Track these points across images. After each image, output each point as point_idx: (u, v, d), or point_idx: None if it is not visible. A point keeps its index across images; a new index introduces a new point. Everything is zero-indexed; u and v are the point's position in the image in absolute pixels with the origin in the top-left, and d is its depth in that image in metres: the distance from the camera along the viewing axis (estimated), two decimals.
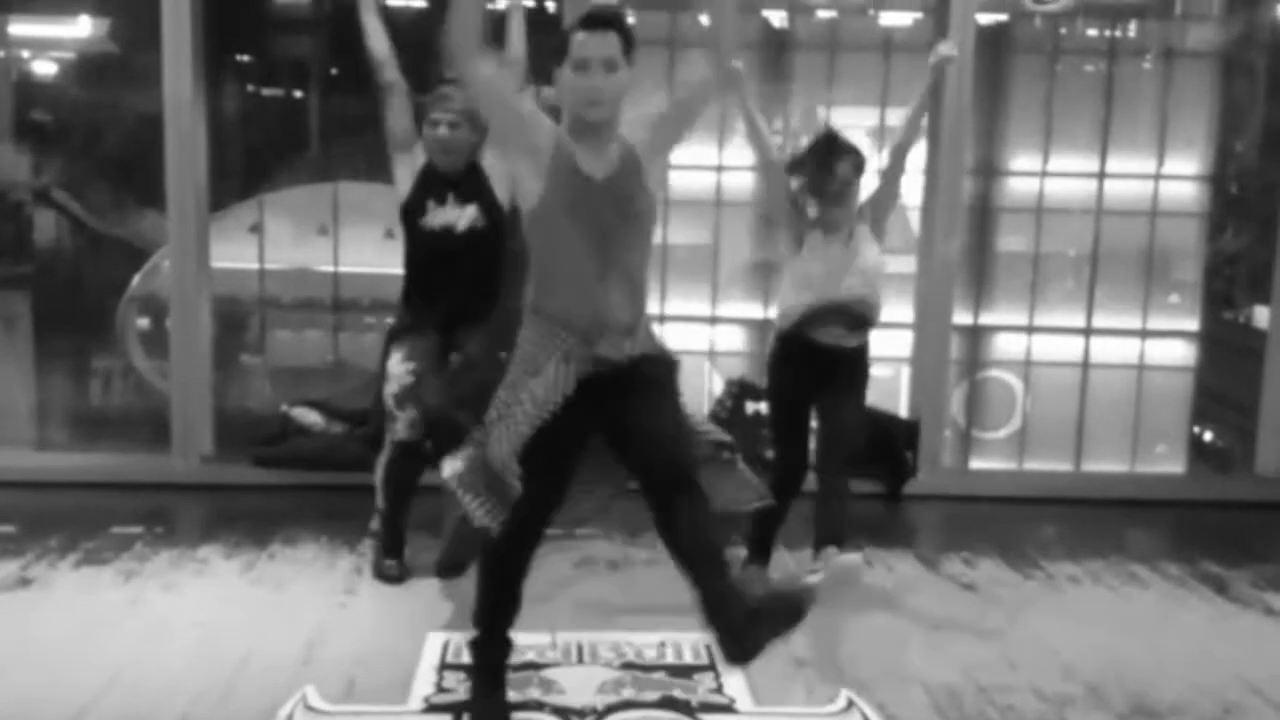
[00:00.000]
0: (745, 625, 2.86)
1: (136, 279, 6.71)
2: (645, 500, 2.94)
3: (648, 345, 3.05)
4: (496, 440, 2.95)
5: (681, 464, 2.94)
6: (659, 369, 3.06)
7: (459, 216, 4.30)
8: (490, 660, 3.23)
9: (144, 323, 6.71)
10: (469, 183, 4.32)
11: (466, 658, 3.64)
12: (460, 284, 4.29)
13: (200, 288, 5.76)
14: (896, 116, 5.99)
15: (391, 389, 4.29)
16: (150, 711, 3.25)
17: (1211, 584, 4.63)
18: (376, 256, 6.27)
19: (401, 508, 4.44)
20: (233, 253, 6.27)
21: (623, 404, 2.97)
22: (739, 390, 5.84)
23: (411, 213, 4.33)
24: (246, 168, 6.81)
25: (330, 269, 6.37)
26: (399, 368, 4.29)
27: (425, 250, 4.33)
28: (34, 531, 4.80)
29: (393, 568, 4.39)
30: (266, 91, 7.35)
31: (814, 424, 4.19)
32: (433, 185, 4.33)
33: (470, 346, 4.30)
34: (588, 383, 2.94)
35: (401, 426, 4.28)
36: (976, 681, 3.61)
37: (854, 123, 6.08)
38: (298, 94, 7.19)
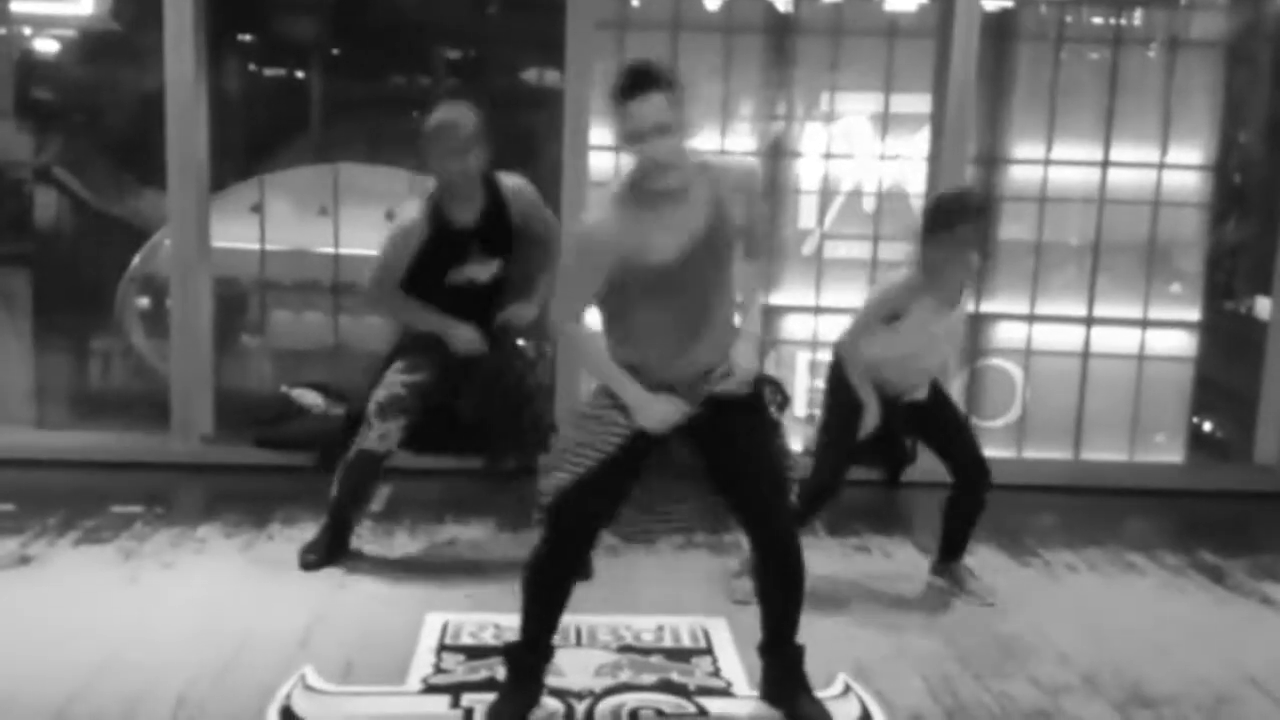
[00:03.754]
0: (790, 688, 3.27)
1: (137, 258, 6.70)
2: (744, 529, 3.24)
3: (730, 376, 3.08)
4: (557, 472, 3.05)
5: (788, 521, 3.21)
6: (752, 400, 3.14)
7: (482, 271, 4.13)
8: (527, 664, 3.22)
9: (144, 302, 6.70)
10: (492, 230, 4.09)
11: (466, 639, 3.67)
12: (476, 324, 4.15)
13: (200, 268, 5.75)
14: (901, 103, 6.03)
15: (379, 396, 4.18)
16: (148, 689, 3.25)
17: (1209, 573, 4.64)
18: (377, 238, 6.27)
19: (352, 508, 4.41)
20: (233, 233, 6.26)
21: (726, 441, 3.09)
22: None
23: (427, 274, 4.09)
24: (247, 147, 6.79)
25: (331, 250, 6.36)
26: (395, 377, 4.19)
27: (442, 300, 4.13)
28: (33, 510, 4.81)
29: (312, 559, 4.32)
30: (268, 71, 7.33)
31: None
32: (452, 241, 4.06)
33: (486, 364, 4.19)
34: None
35: (374, 436, 4.18)
36: (972, 668, 3.62)
37: (857, 109, 6.10)
38: (299, 74, 7.17)
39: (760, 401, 3.18)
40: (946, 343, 4.17)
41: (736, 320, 3.17)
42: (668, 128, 2.85)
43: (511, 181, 4.18)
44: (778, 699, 3.27)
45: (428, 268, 4.09)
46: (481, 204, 4.09)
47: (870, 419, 4.05)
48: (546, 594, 3.16)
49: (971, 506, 4.26)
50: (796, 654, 3.26)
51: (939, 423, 4.26)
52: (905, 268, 4.06)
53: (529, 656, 3.20)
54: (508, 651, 3.23)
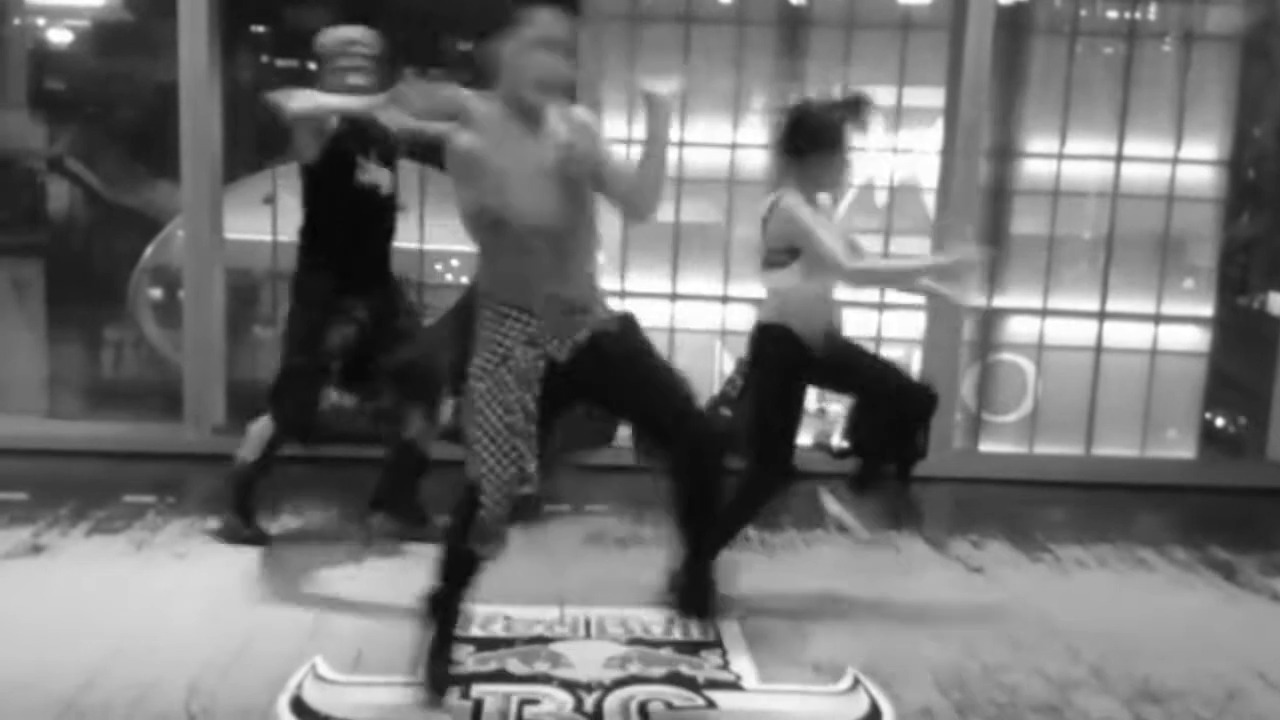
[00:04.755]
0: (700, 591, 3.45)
1: (149, 249, 6.72)
2: (666, 452, 3.12)
3: (603, 314, 3.10)
4: (479, 445, 3.01)
5: (703, 420, 3.18)
6: (627, 329, 3.12)
7: (383, 178, 4.26)
8: (451, 620, 3.27)
9: (157, 293, 6.72)
10: (380, 139, 4.15)
11: (475, 630, 3.68)
12: (379, 251, 4.32)
13: (213, 259, 5.77)
14: (914, 96, 6.02)
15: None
16: (159, 679, 3.27)
17: (1219, 569, 4.63)
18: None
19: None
20: (246, 224, 6.27)
21: (613, 373, 3.06)
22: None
23: (334, 168, 4.17)
24: (260, 139, 6.80)
25: None
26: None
27: (351, 208, 4.22)
28: (46, 499, 4.84)
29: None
30: (281, 62, 7.33)
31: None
32: (356, 137, 4.14)
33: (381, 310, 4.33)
34: (554, 363, 3.01)
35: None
36: (982, 662, 3.62)
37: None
38: (312, 65, 7.16)
39: (632, 325, 3.14)
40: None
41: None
42: (571, 50, 2.97)
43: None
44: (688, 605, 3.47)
45: (336, 166, 4.17)
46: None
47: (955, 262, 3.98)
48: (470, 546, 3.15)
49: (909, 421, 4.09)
50: (711, 579, 3.41)
51: (848, 359, 4.00)
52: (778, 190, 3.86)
53: (452, 611, 3.27)
54: (432, 601, 3.26)
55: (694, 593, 3.60)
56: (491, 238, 3.00)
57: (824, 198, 3.93)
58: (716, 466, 3.15)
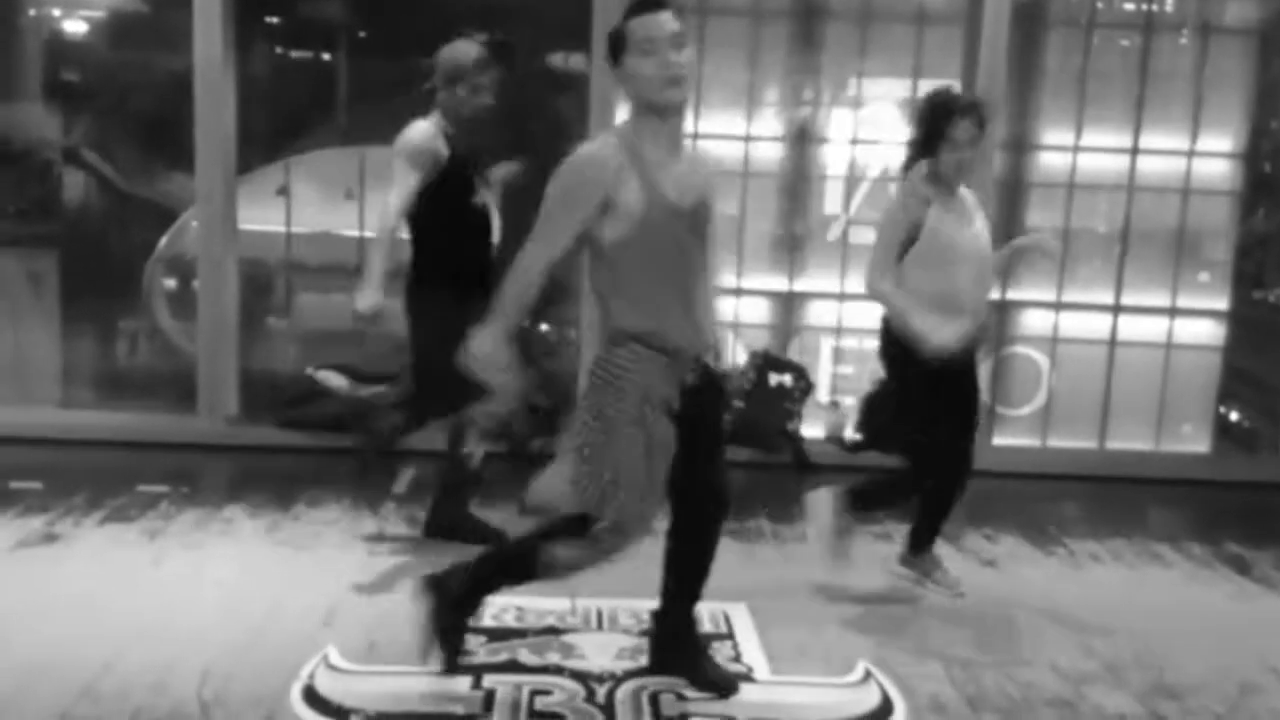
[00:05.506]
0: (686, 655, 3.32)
1: (164, 240, 6.74)
2: (677, 507, 3.17)
3: (714, 360, 3.14)
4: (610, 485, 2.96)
5: (727, 502, 3.22)
6: (722, 383, 3.20)
7: (488, 198, 4.23)
8: (460, 628, 3.31)
9: (171, 283, 6.74)
10: (481, 169, 4.22)
11: (488, 621, 3.68)
12: (488, 271, 4.12)
13: (227, 249, 5.79)
14: (929, 88, 5.98)
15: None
16: (172, 666, 3.28)
17: (1234, 564, 4.61)
18: (402, 222, 6.27)
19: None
20: (259, 215, 6.28)
21: (699, 422, 3.05)
22: (762, 362, 5.83)
23: (455, 189, 4.14)
24: (274, 130, 6.81)
25: (356, 233, 6.37)
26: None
27: (466, 232, 4.19)
28: (60, 488, 4.85)
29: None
30: (295, 54, 7.34)
31: None
32: (472, 159, 4.17)
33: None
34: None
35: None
36: (994, 656, 3.61)
37: (885, 94, 6.06)
38: (326, 57, 7.18)
39: (724, 381, 3.25)
40: (978, 273, 3.86)
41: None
42: (682, 42, 2.85)
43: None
44: (676, 665, 3.32)
45: (454, 186, 4.12)
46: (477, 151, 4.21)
47: (942, 338, 3.71)
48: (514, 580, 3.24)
49: (952, 494, 4.06)
50: (692, 619, 3.36)
51: (958, 391, 3.96)
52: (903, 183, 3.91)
53: (462, 619, 3.29)
54: (450, 607, 3.25)
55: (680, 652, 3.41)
56: (636, 268, 2.93)
57: (965, 193, 3.90)
58: (718, 532, 3.24)
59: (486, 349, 2.93)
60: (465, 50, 4.16)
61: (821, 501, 4.08)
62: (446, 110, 4.13)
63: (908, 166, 3.89)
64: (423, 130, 4.08)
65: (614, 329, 2.97)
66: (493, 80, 4.16)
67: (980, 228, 3.89)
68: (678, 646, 3.32)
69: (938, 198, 3.80)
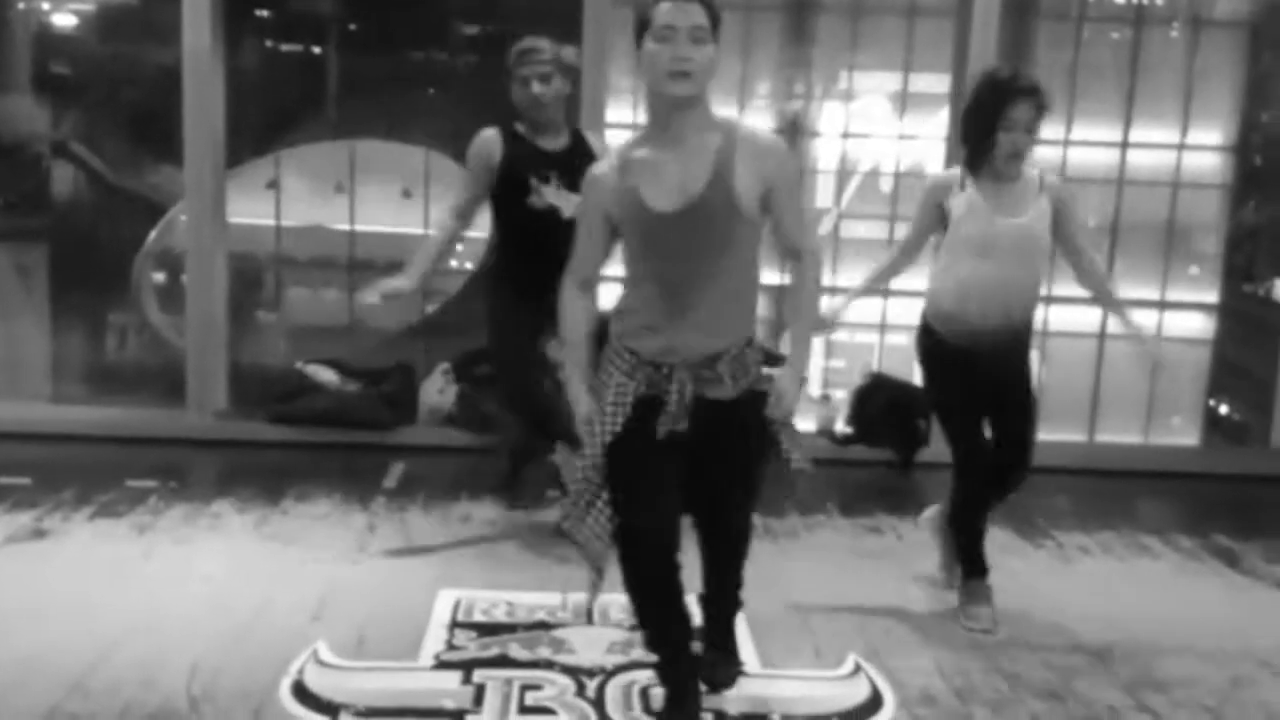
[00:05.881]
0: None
1: (153, 234, 6.72)
2: (694, 519, 3.03)
3: (742, 379, 2.86)
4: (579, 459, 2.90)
5: (742, 535, 3.13)
6: (750, 413, 2.89)
7: (566, 203, 4.02)
8: (677, 677, 2.99)
9: (160, 277, 6.73)
10: (577, 166, 3.90)
11: (478, 616, 3.68)
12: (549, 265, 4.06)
13: (216, 243, 5.77)
14: (920, 82, 5.99)
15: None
16: (162, 662, 3.27)
17: (1223, 557, 4.62)
18: (393, 216, 6.27)
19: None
20: (249, 209, 6.27)
21: (709, 444, 2.86)
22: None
23: (510, 191, 4.10)
24: (264, 123, 6.79)
25: (346, 227, 6.36)
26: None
27: (523, 226, 4.12)
28: (49, 484, 4.84)
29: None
30: (285, 47, 7.31)
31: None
32: (531, 161, 4.11)
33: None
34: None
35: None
36: (983, 650, 3.61)
37: (876, 88, 6.06)
38: (316, 50, 7.15)
39: (752, 406, 2.89)
40: (1017, 264, 3.65)
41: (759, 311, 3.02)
42: (703, 37, 2.68)
43: (599, 139, 4.35)
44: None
45: (510, 188, 4.10)
46: (567, 140, 4.20)
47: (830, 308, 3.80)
48: (646, 598, 2.93)
49: (992, 504, 3.96)
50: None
51: (1007, 395, 3.81)
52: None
53: (675, 669, 2.99)
54: (655, 668, 3.04)
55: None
56: (628, 270, 2.88)
57: (1028, 179, 3.69)
58: (722, 576, 3.14)
59: (579, 404, 2.89)
60: (518, 44, 4.14)
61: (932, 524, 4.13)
62: (516, 99, 4.14)
63: (967, 147, 3.69)
64: (480, 137, 4.13)
65: (611, 327, 2.93)
66: (539, 70, 4.06)
67: (1028, 219, 3.63)
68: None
69: (978, 184, 3.64)
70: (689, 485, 2.89)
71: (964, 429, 3.84)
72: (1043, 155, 5.97)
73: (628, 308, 2.88)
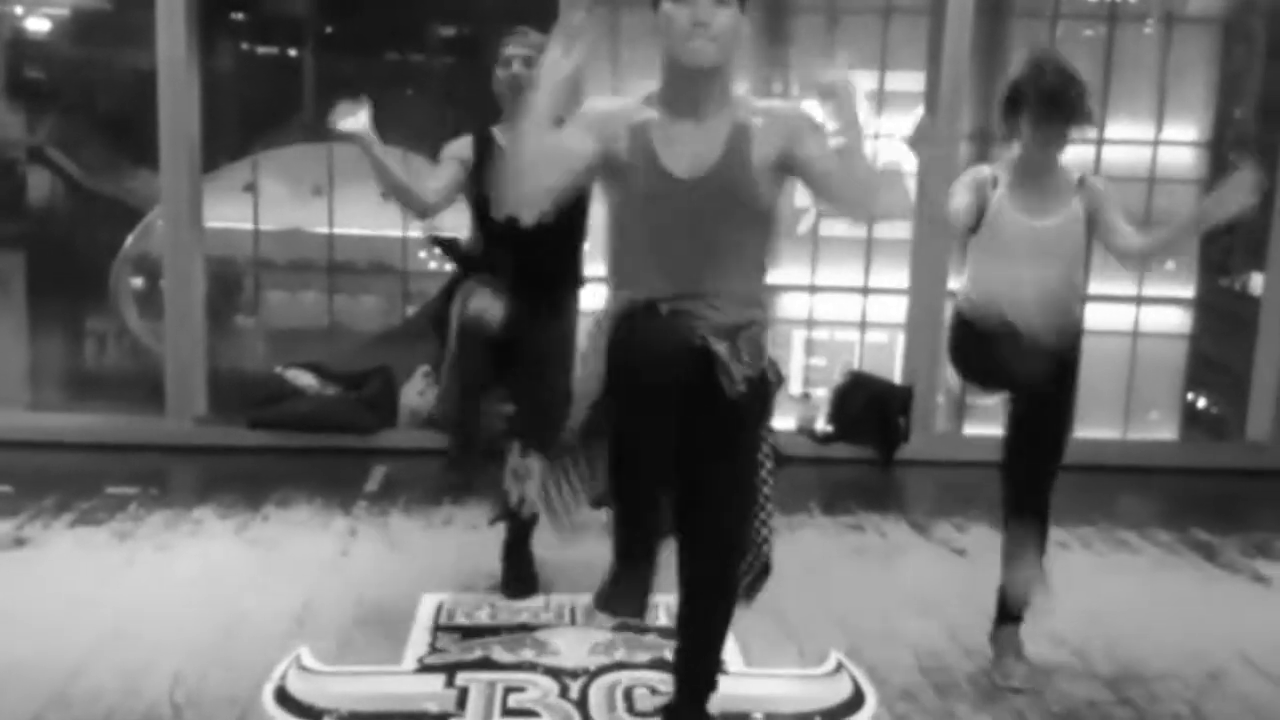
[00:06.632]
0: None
1: (130, 239, 6.69)
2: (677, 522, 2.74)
3: (751, 364, 2.61)
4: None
5: (733, 544, 2.74)
6: (754, 403, 2.65)
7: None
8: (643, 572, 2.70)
9: (138, 283, 6.69)
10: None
11: (461, 619, 3.68)
12: (533, 279, 3.72)
13: (194, 248, 5.75)
14: (896, 80, 6.01)
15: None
16: (144, 669, 3.26)
17: (1201, 551, 4.66)
18: (372, 218, 6.25)
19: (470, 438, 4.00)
20: (227, 213, 6.25)
21: (705, 433, 2.59)
22: None
23: (477, 205, 3.81)
24: (241, 126, 6.77)
25: (325, 230, 6.34)
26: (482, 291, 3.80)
27: (491, 241, 3.81)
28: (29, 491, 4.82)
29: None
30: (261, 49, 7.29)
31: None
32: (495, 163, 3.71)
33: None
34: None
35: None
36: (964, 645, 3.63)
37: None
38: (292, 52, 7.13)
39: (757, 394, 2.66)
40: (1041, 265, 3.38)
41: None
42: (728, 3, 2.45)
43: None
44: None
45: (477, 201, 3.83)
46: None
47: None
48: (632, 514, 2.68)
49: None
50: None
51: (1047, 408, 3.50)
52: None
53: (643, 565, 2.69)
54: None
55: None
56: (625, 240, 2.65)
57: (1062, 178, 3.46)
58: (702, 592, 2.81)
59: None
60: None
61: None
62: (498, 85, 3.80)
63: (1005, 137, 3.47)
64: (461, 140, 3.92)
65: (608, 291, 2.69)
66: (523, 52, 3.69)
67: (1059, 222, 3.40)
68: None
69: (1014, 180, 3.41)
70: (678, 493, 2.66)
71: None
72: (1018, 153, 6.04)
73: (623, 282, 2.63)
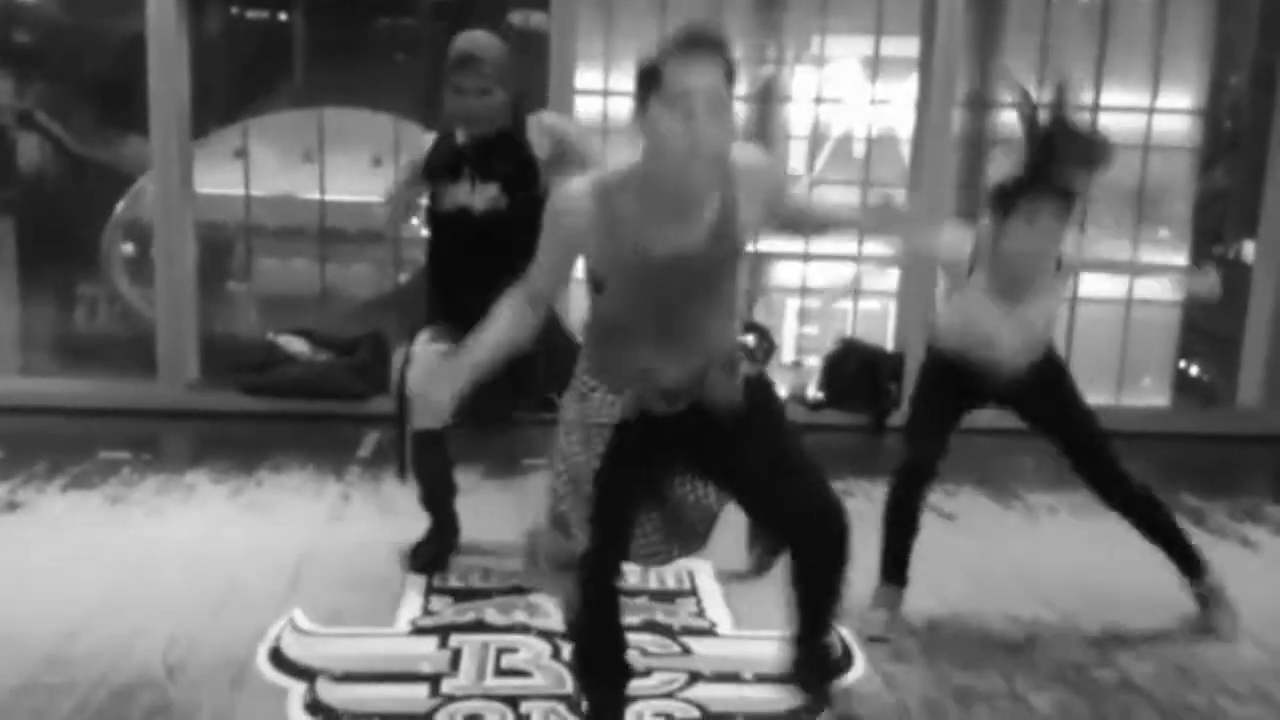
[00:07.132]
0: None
1: (121, 204, 6.67)
2: (785, 542, 2.85)
3: (727, 385, 2.58)
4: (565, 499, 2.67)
5: (832, 507, 2.73)
6: (758, 396, 2.64)
7: (475, 197, 3.64)
8: (608, 702, 2.80)
9: (129, 248, 6.68)
10: (489, 154, 3.63)
11: (454, 581, 3.70)
12: (479, 278, 3.27)
13: (184, 213, 5.73)
14: (891, 46, 5.99)
15: (415, 371, 3.67)
16: (138, 633, 3.27)
17: (1190, 515, 4.67)
18: (363, 184, 6.24)
19: (437, 497, 3.90)
20: (217, 178, 6.23)
21: (731, 450, 2.61)
22: None
23: (433, 198, 3.73)
24: (231, 92, 6.73)
25: (316, 196, 6.33)
26: (425, 349, 3.69)
27: (442, 238, 3.75)
28: (21, 456, 4.82)
29: (417, 562, 3.85)
30: (251, 14, 7.24)
31: None
32: (446, 159, 3.69)
33: None
34: (660, 425, 2.57)
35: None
36: (953, 608, 3.66)
37: (847, 53, 6.06)
38: (282, 17, 7.08)
39: (761, 399, 2.67)
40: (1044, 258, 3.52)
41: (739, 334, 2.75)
42: (722, 104, 2.29)
43: (544, 115, 3.82)
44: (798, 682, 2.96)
45: (429, 207, 3.77)
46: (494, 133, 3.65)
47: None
48: (593, 640, 2.76)
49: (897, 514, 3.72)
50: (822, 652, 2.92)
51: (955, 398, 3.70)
52: None
53: (606, 692, 2.79)
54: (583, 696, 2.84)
55: (810, 668, 3.07)
56: (602, 305, 2.59)
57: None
58: (840, 551, 2.80)
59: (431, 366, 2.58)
60: (458, 43, 3.62)
61: None
62: (449, 108, 3.63)
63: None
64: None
65: (583, 352, 2.68)
66: (479, 84, 3.54)
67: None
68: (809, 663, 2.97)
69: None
70: (753, 508, 2.79)
71: (912, 429, 3.77)
72: (1012, 119, 6.02)
73: (605, 347, 2.61)
